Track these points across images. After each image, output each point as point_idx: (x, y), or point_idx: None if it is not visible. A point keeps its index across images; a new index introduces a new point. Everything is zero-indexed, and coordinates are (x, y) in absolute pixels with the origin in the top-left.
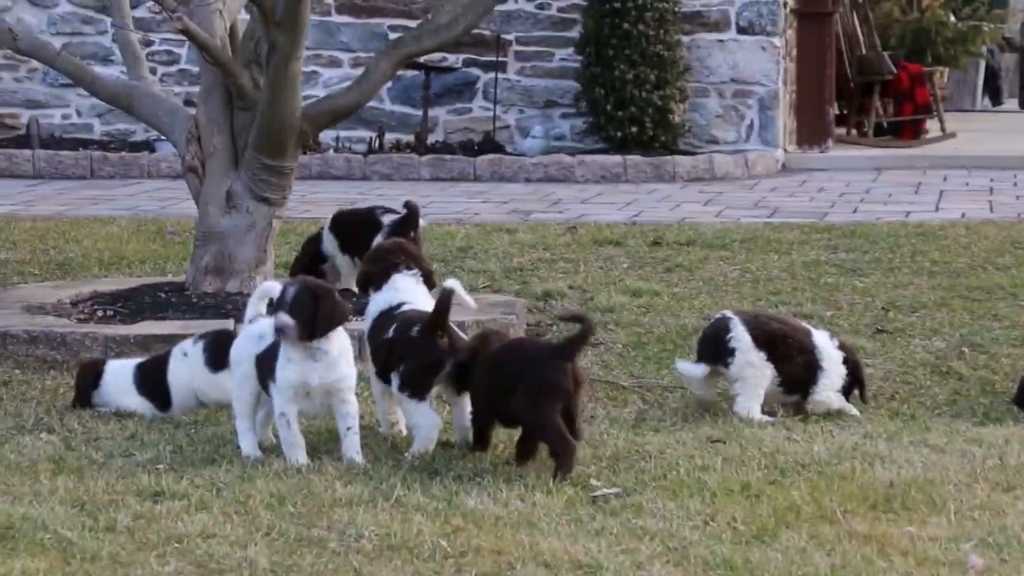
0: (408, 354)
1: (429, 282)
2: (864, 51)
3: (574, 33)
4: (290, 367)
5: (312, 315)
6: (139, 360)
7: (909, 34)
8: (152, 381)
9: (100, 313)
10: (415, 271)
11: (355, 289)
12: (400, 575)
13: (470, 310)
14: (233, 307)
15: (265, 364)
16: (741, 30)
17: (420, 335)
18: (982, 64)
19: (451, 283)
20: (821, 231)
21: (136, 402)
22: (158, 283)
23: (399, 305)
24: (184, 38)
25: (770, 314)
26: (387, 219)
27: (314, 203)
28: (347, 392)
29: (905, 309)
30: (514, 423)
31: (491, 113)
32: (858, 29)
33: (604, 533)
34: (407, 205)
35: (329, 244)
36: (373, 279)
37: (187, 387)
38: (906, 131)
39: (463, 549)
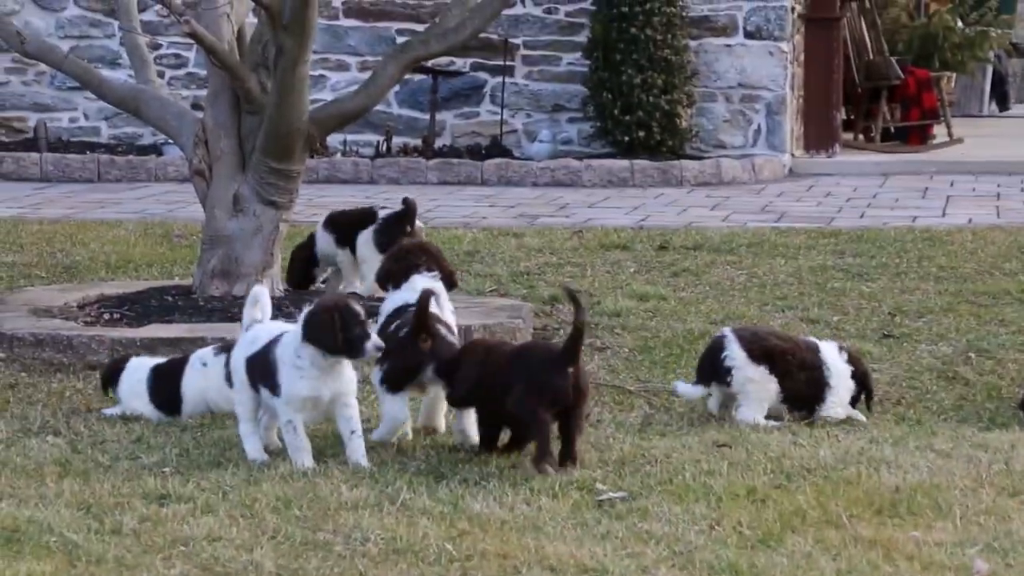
0: (390, 353)
1: (450, 284)
2: (871, 56)
3: (581, 37)
4: (302, 382)
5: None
6: (156, 363)
7: (916, 39)
8: (165, 387)
9: (107, 316)
10: (435, 272)
11: (358, 289)
12: None
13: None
14: (240, 310)
15: (256, 369)
16: (749, 35)
17: (405, 337)
18: (989, 69)
19: (431, 286)
20: (828, 236)
21: (145, 407)
22: (165, 286)
23: (411, 305)
24: (192, 41)
25: (770, 330)
26: (383, 213)
27: (321, 207)
28: (349, 396)
29: (912, 314)
30: (514, 423)
31: (498, 117)
32: (866, 34)
33: (610, 537)
34: (405, 201)
35: (324, 244)
36: (393, 277)
37: (200, 397)
38: (913, 136)
39: (469, 553)
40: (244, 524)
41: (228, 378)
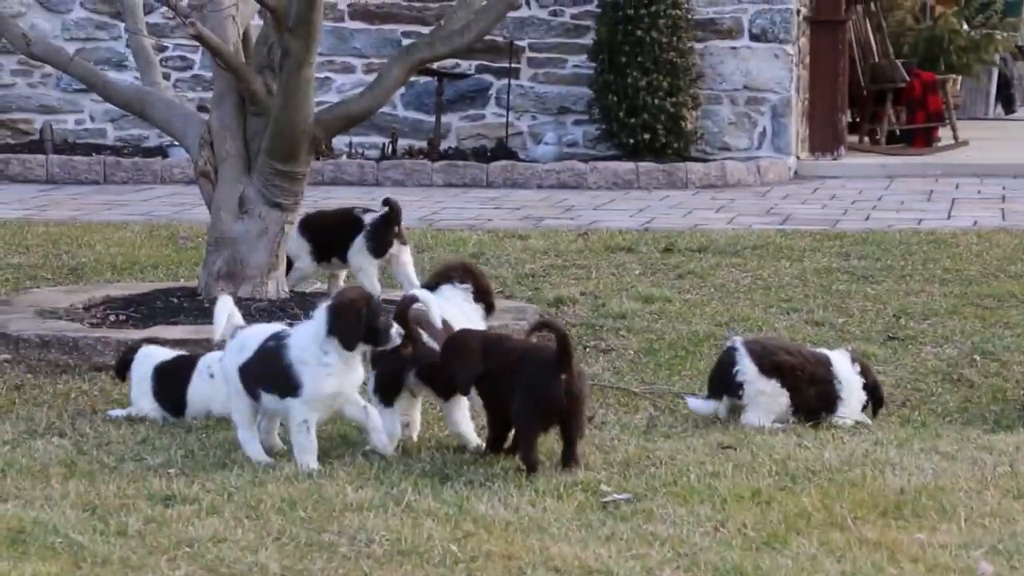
0: (375, 362)
1: (483, 301)
2: (877, 59)
3: (587, 40)
4: (329, 379)
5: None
6: (161, 361)
7: (922, 42)
8: (170, 388)
9: (112, 318)
10: (467, 286)
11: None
12: None
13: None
14: (245, 312)
15: (257, 374)
16: (754, 37)
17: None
18: (995, 72)
19: (419, 293)
20: (833, 238)
21: (149, 406)
22: (170, 288)
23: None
24: (197, 44)
25: (780, 343)
26: (368, 217)
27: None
28: (356, 390)
29: (917, 316)
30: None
31: (504, 119)
32: (871, 37)
33: (614, 539)
34: (388, 202)
35: (295, 247)
36: (428, 287)
37: (204, 404)
38: (918, 139)
39: (474, 554)
40: (249, 525)
41: None
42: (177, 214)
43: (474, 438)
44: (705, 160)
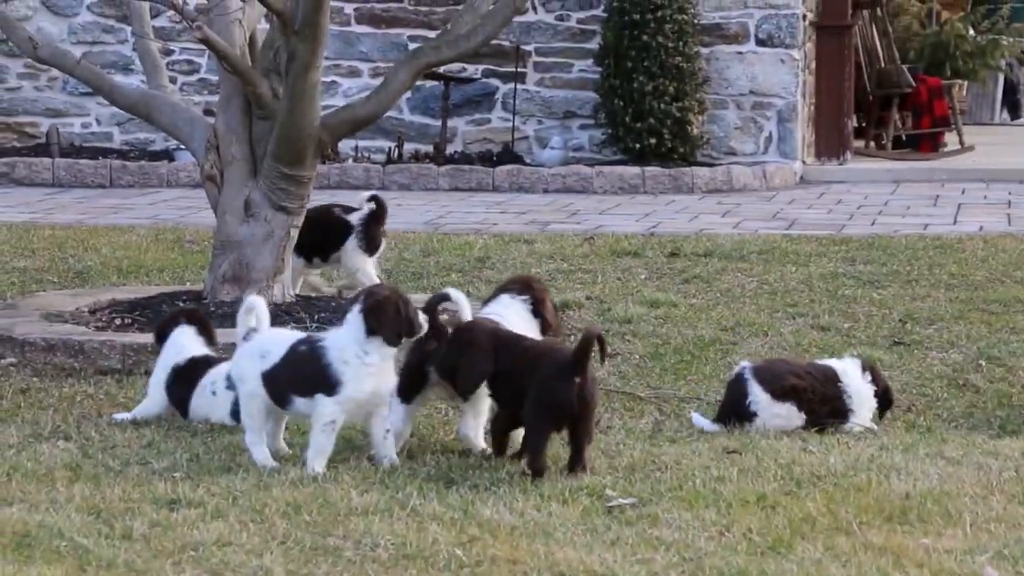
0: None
1: (539, 316)
2: (883, 64)
3: (593, 44)
4: (370, 379)
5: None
6: (178, 363)
7: (928, 47)
8: (180, 391)
9: (118, 321)
10: (526, 298)
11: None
12: None
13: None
14: None
15: (286, 380)
16: (760, 42)
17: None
18: (1001, 77)
19: (451, 292)
20: (839, 243)
21: (160, 400)
22: (176, 292)
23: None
24: (204, 47)
25: (788, 366)
26: (355, 217)
27: None
28: (387, 401)
29: (923, 321)
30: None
31: (510, 124)
32: (877, 42)
33: (620, 543)
34: (375, 199)
35: None
36: (489, 298)
37: (204, 415)
38: (924, 144)
39: (479, 559)
40: (254, 529)
41: (234, 415)
42: (183, 218)
43: (480, 443)
44: (711, 165)
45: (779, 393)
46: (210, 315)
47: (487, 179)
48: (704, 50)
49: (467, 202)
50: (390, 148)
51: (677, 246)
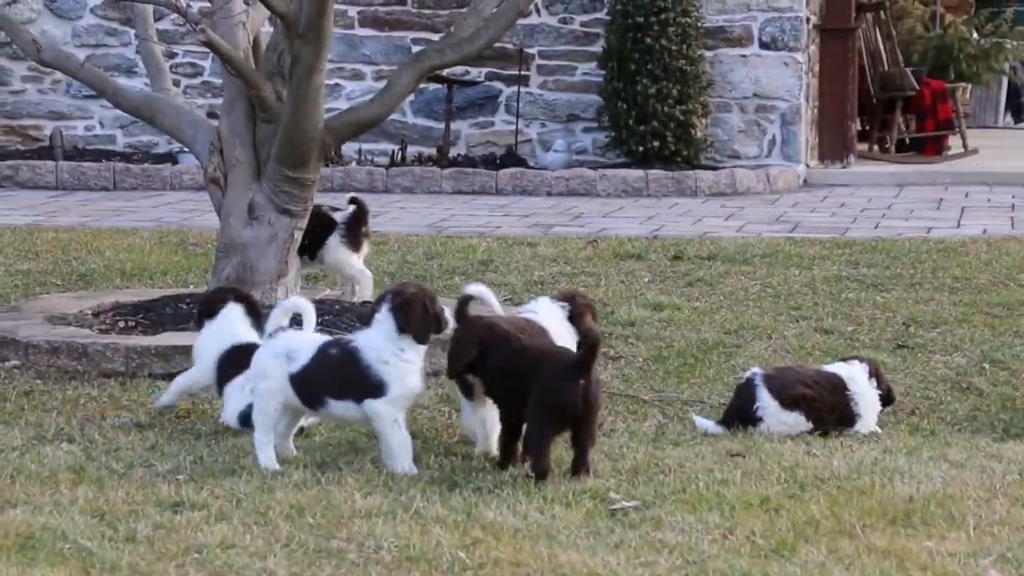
0: None
1: (576, 325)
2: (887, 67)
3: (597, 47)
4: (412, 376)
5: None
6: (242, 343)
7: (932, 50)
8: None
9: (122, 324)
10: (564, 304)
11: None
12: None
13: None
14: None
15: (316, 383)
16: (764, 45)
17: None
18: (1004, 81)
19: (475, 288)
20: (842, 246)
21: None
22: (180, 294)
23: None
24: (207, 50)
25: (797, 375)
26: (339, 216)
27: None
28: None
29: (926, 325)
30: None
31: (513, 127)
32: (881, 45)
33: (623, 546)
34: (355, 201)
35: None
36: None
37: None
38: (928, 147)
39: (482, 561)
40: (258, 532)
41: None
42: (187, 220)
43: (481, 436)
44: (715, 168)
45: (788, 402)
46: None
47: (490, 182)
48: (708, 53)
49: (470, 205)
50: (393, 151)
51: (680, 249)
